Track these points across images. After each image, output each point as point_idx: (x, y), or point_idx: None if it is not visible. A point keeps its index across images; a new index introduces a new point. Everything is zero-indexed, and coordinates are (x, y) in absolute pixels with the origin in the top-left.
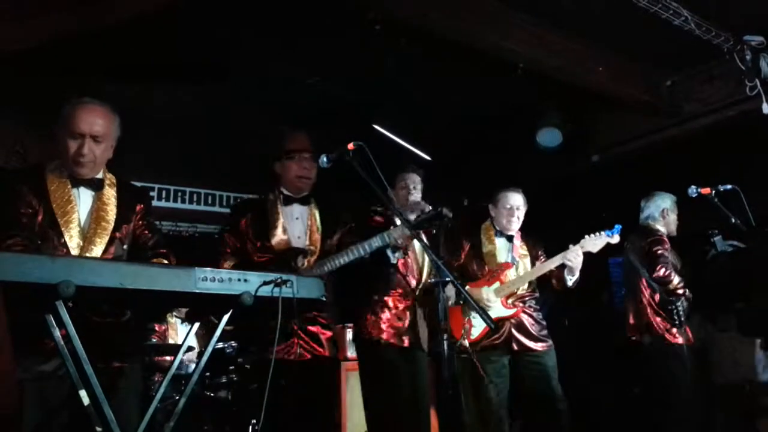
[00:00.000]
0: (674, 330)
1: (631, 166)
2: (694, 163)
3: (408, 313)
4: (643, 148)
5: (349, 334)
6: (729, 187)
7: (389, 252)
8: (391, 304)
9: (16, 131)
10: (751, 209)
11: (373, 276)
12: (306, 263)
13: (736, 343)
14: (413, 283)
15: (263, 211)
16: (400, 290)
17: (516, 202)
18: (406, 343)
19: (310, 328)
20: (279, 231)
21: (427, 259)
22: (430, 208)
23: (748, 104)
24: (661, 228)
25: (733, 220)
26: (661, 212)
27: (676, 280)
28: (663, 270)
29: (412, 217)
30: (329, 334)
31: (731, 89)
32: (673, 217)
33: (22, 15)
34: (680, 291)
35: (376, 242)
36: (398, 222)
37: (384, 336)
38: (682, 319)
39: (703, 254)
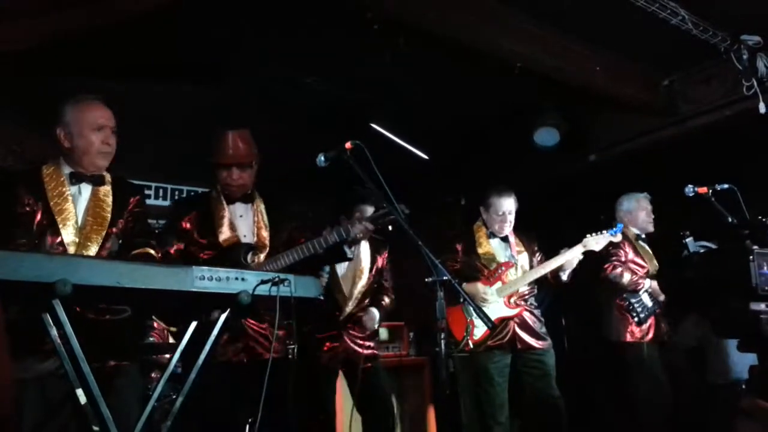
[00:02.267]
0: (633, 328)
1: (629, 166)
2: (692, 163)
3: (342, 335)
4: (640, 148)
5: None
6: (726, 186)
7: (345, 247)
8: (324, 333)
9: (16, 131)
10: (748, 208)
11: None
12: (256, 259)
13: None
14: (342, 308)
15: (207, 209)
16: (329, 317)
17: (508, 207)
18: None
19: (259, 327)
20: (226, 228)
21: (363, 279)
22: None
23: (745, 104)
24: (632, 230)
25: (730, 220)
26: (623, 216)
27: (626, 278)
28: (609, 268)
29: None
30: (282, 333)
31: (728, 89)
32: (638, 214)
33: (22, 15)
34: (637, 288)
35: (332, 237)
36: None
37: (324, 362)
38: (641, 316)
39: (677, 255)
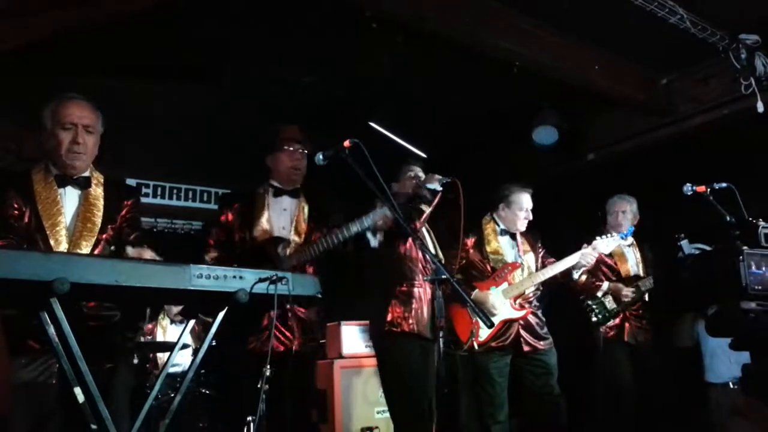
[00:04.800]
0: (600, 327)
1: (627, 165)
2: (690, 162)
3: (428, 304)
4: (638, 147)
5: (345, 332)
6: (724, 185)
7: (369, 235)
8: (416, 294)
9: (13, 130)
10: (746, 207)
11: (393, 267)
12: (288, 251)
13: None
14: (430, 272)
15: (251, 204)
16: (421, 280)
17: (530, 203)
18: (427, 334)
19: (286, 321)
20: (263, 222)
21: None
22: (447, 179)
23: (743, 103)
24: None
25: (728, 219)
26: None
27: (582, 279)
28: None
29: (433, 186)
30: (305, 321)
31: (726, 88)
32: (611, 217)
33: (22, 12)
34: (594, 290)
35: (354, 227)
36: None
37: (413, 328)
38: (599, 317)
39: (672, 257)
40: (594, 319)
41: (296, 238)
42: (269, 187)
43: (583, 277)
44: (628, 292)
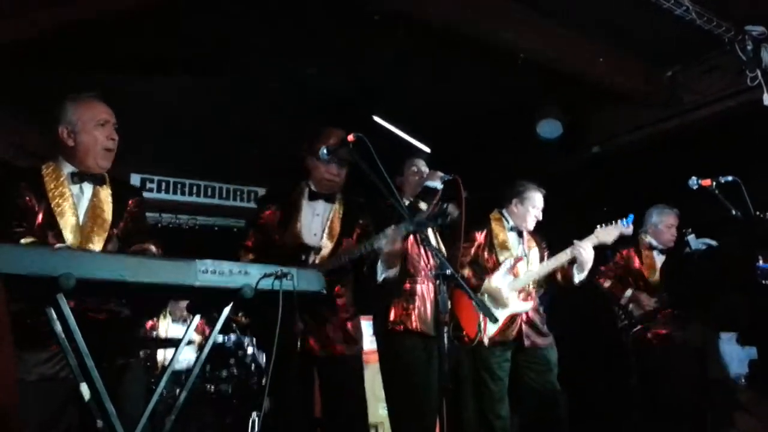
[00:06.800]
0: (634, 331)
1: (632, 158)
2: (695, 155)
3: (431, 301)
4: (643, 140)
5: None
6: (730, 178)
7: (379, 267)
8: (419, 292)
9: (15, 124)
10: (751, 201)
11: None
12: (315, 260)
13: (730, 338)
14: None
15: (288, 205)
16: (424, 277)
17: (542, 203)
18: (431, 332)
19: (321, 327)
20: (295, 227)
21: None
22: (448, 177)
23: (748, 95)
24: (648, 239)
25: (734, 212)
26: (648, 226)
27: (606, 285)
28: (596, 276)
29: (434, 184)
30: (347, 327)
31: (732, 80)
32: (660, 229)
33: (24, 7)
34: (618, 299)
35: (380, 240)
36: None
37: (416, 326)
38: (625, 323)
39: (679, 253)
40: (620, 324)
41: (328, 245)
42: (306, 187)
43: (608, 283)
44: (650, 302)
